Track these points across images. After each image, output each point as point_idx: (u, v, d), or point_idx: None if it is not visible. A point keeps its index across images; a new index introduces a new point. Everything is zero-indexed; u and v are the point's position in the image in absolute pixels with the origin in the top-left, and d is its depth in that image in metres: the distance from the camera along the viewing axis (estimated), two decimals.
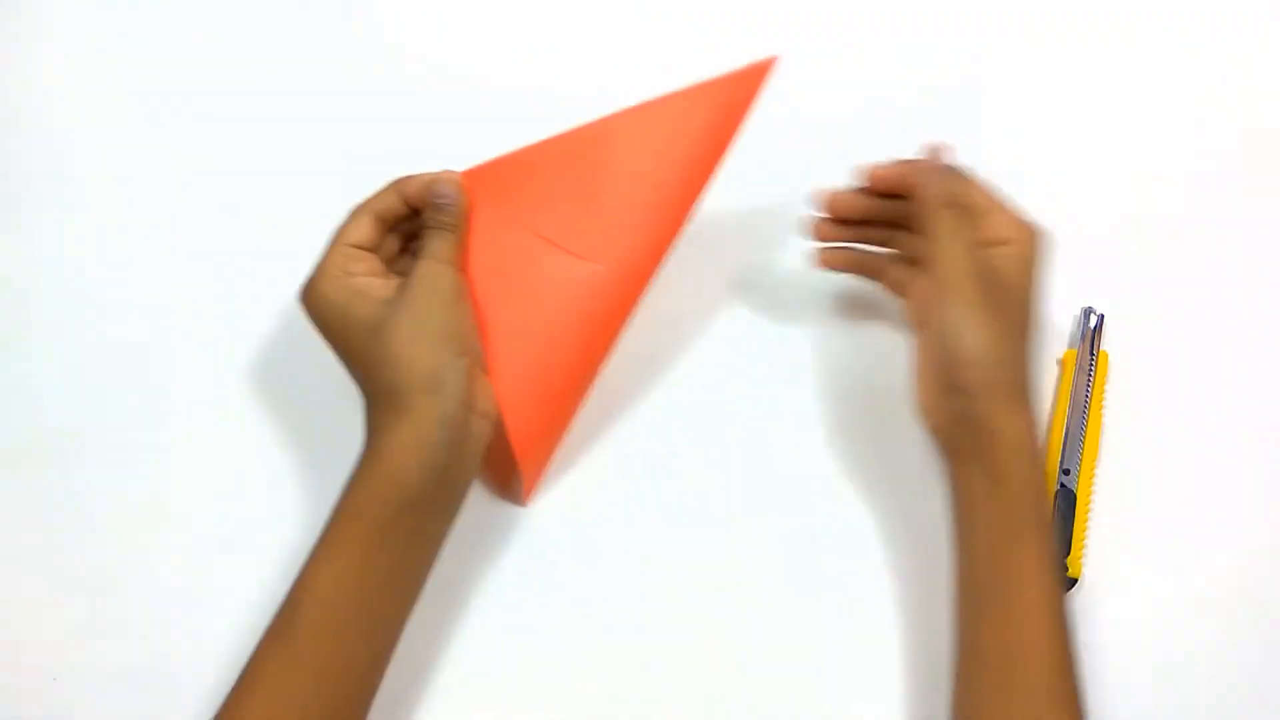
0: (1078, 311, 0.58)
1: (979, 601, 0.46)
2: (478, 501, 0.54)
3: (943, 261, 0.47)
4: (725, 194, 0.53)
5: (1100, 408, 0.56)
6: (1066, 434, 0.55)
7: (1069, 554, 0.52)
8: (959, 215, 0.48)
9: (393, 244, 0.51)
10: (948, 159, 0.50)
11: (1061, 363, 0.57)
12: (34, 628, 0.52)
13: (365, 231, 0.50)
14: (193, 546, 0.54)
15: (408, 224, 0.51)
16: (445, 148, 0.53)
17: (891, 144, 0.53)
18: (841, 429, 0.56)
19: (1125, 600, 0.52)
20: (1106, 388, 0.57)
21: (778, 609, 0.52)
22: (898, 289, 0.55)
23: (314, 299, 0.49)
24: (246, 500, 0.54)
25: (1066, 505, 0.53)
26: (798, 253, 0.57)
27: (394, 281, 0.49)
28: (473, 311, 0.49)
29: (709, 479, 0.55)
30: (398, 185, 0.51)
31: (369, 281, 0.49)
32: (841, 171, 0.53)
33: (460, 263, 0.49)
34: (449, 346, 0.46)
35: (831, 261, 0.56)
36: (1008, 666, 0.44)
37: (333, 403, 0.56)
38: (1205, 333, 0.59)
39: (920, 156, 0.51)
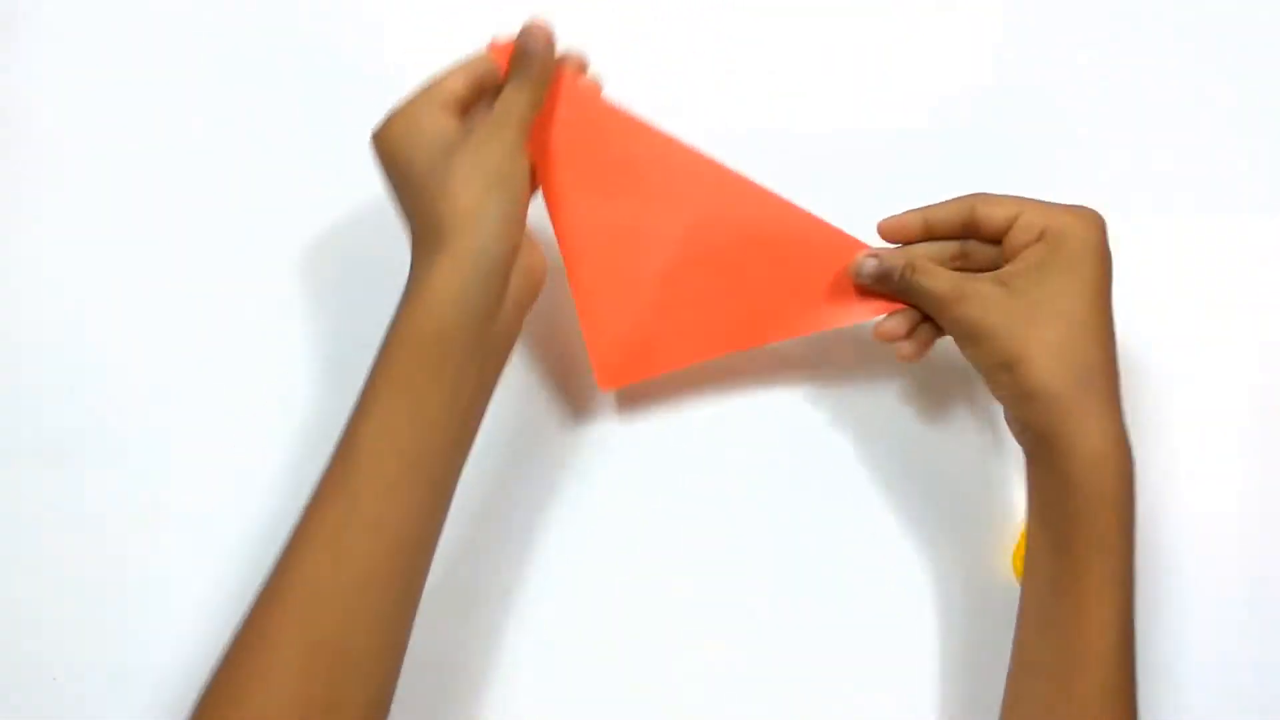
0: None
1: (1041, 614, 0.45)
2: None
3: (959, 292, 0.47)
4: None
5: None
6: None
7: None
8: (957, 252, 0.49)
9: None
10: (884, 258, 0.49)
11: None
12: (34, 628, 0.52)
13: (456, 89, 0.47)
14: (192, 546, 0.54)
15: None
16: None
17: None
18: (878, 435, 0.56)
19: None
20: None
21: (804, 619, 0.52)
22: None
23: (386, 137, 0.47)
24: (246, 499, 0.54)
25: None
26: None
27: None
28: (529, 171, 0.47)
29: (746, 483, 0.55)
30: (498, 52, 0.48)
31: (445, 127, 0.46)
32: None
33: (531, 119, 0.47)
34: (500, 190, 0.44)
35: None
36: (1060, 684, 0.43)
37: (331, 402, 0.56)
38: (1205, 333, 0.59)
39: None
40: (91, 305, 0.59)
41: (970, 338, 0.47)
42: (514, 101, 0.46)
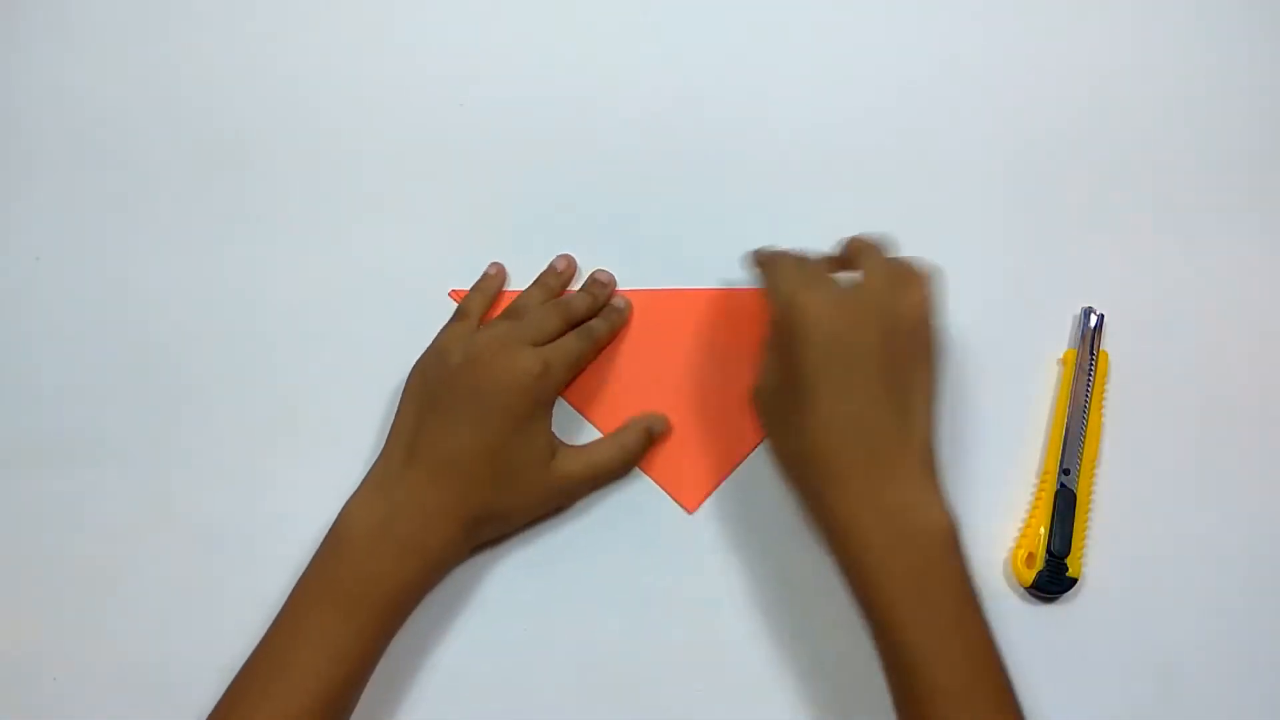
0: (1078, 311, 0.58)
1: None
2: None
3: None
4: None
5: (1100, 408, 0.56)
6: (1066, 434, 0.55)
7: (1069, 554, 0.52)
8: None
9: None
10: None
11: (1061, 363, 0.57)
12: (34, 628, 0.52)
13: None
14: (193, 546, 0.54)
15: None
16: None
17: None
18: None
19: (1125, 600, 0.52)
20: (1106, 388, 0.57)
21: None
22: None
23: (546, 386, 0.51)
24: (246, 500, 0.54)
25: (1066, 505, 0.53)
26: None
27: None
28: None
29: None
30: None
31: (550, 441, 0.52)
32: None
33: None
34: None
35: None
36: None
37: (330, 404, 0.56)
38: (1205, 333, 0.59)
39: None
40: (93, 306, 0.59)
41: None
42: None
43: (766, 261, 0.52)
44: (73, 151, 0.63)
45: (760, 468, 0.55)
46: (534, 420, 0.50)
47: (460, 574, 0.52)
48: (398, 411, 0.52)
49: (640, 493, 0.55)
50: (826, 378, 0.45)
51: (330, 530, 0.48)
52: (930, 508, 0.44)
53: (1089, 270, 0.60)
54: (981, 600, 0.44)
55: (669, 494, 0.54)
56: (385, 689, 0.50)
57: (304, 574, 0.48)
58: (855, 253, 0.51)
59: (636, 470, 0.55)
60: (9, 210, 0.62)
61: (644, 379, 0.57)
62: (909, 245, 0.60)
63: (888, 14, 0.67)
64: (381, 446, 0.51)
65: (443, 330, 0.55)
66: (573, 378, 0.55)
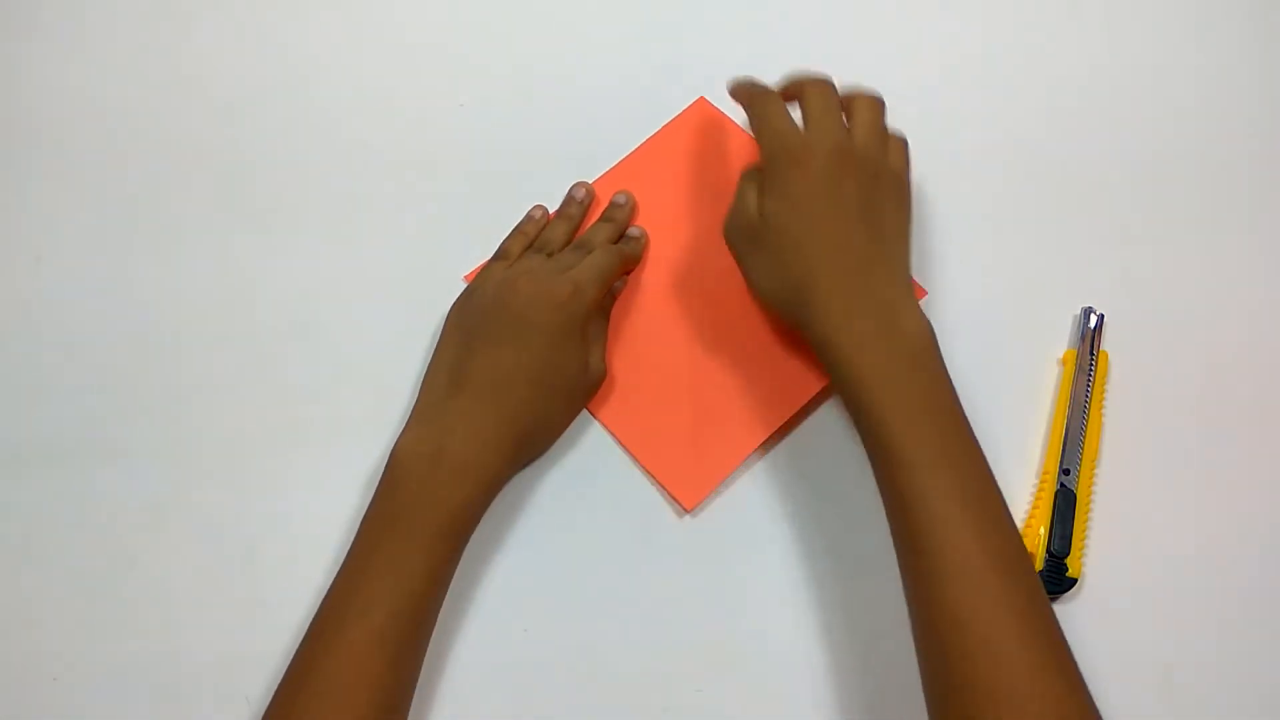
0: (1078, 311, 0.58)
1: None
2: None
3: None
4: None
5: (1100, 408, 0.56)
6: (1066, 434, 0.55)
7: (1069, 554, 0.52)
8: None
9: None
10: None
11: (1061, 363, 0.58)
12: (34, 628, 0.52)
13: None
14: (196, 546, 0.54)
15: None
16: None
17: None
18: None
19: (1125, 600, 0.52)
20: (1106, 388, 0.57)
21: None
22: None
23: (580, 303, 0.52)
24: (246, 500, 0.54)
25: (1066, 505, 0.53)
26: None
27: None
28: None
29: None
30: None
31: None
32: None
33: None
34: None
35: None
36: (910, 585, 0.46)
37: (337, 400, 0.56)
38: (1205, 333, 0.59)
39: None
40: (95, 305, 0.59)
41: None
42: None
43: (757, 102, 0.53)
44: (76, 152, 0.63)
45: (758, 469, 0.55)
46: (571, 337, 0.52)
47: (460, 575, 0.52)
48: (436, 350, 0.54)
49: (638, 492, 0.55)
50: (819, 213, 0.49)
51: (386, 467, 0.49)
52: (910, 310, 0.49)
53: (1089, 270, 0.60)
54: (956, 395, 0.48)
55: (667, 491, 0.55)
56: None
57: (366, 512, 0.49)
58: (816, 96, 0.52)
59: (635, 468, 0.55)
60: (10, 211, 0.62)
61: (646, 373, 0.57)
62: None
63: (890, 14, 0.67)
64: (396, 436, 0.51)
65: (480, 270, 0.58)
66: (605, 292, 0.55)
